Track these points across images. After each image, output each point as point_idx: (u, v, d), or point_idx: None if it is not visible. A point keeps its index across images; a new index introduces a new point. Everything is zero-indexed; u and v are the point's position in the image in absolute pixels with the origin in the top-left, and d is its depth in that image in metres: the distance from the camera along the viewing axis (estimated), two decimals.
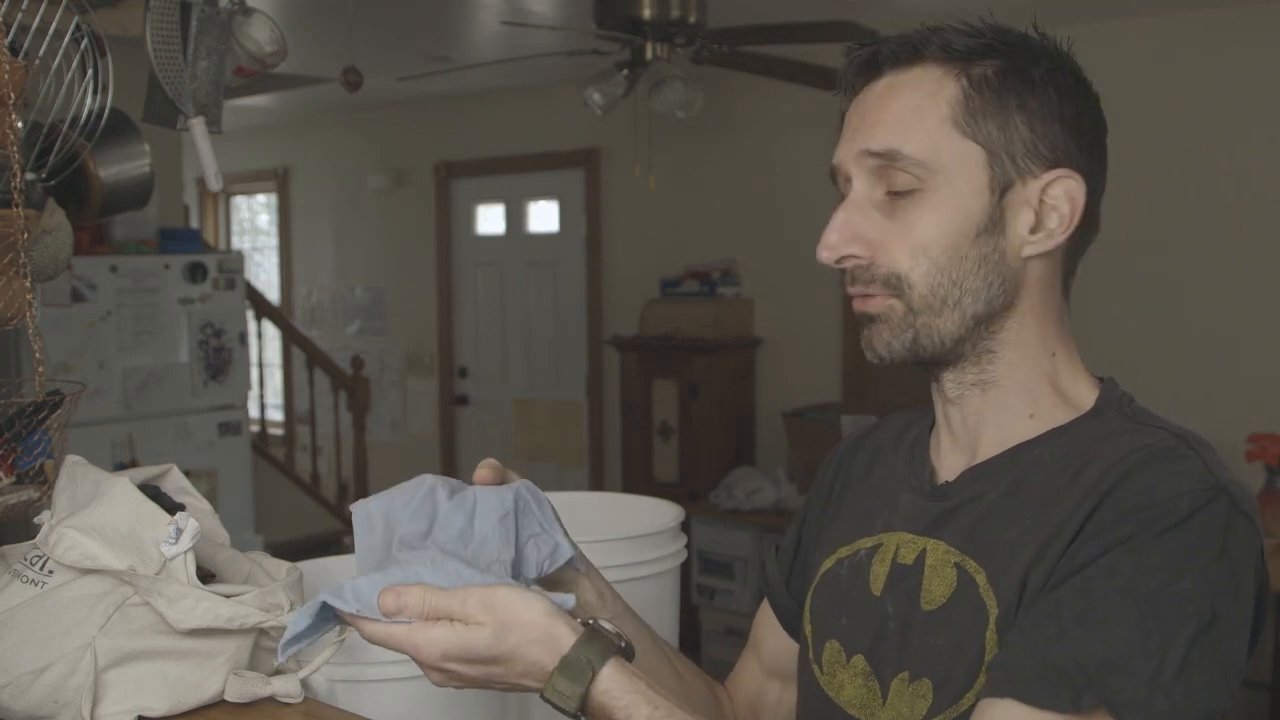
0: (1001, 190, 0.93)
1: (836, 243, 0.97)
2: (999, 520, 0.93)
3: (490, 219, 6.61)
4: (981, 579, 0.92)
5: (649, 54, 3.74)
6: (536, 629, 0.85)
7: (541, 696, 0.85)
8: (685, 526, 1.48)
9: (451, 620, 0.85)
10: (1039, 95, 0.94)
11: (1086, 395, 0.98)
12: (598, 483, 5.99)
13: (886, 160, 0.94)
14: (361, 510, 0.96)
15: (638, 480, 5.33)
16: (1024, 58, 0.95)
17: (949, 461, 1.02)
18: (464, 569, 0.88)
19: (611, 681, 0.84)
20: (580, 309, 6.14)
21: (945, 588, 0.94)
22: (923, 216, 0.94)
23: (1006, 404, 0.97)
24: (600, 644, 0.85)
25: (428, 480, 0.96)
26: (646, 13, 3.63)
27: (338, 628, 0.93)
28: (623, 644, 0.87)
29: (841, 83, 1.01)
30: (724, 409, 5.29)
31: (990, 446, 0.98)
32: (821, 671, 1.04)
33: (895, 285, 0.95)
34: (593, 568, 1.07)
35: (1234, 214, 4.30)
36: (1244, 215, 4.28)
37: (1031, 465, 0.94)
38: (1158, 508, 0.84)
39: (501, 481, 1.00)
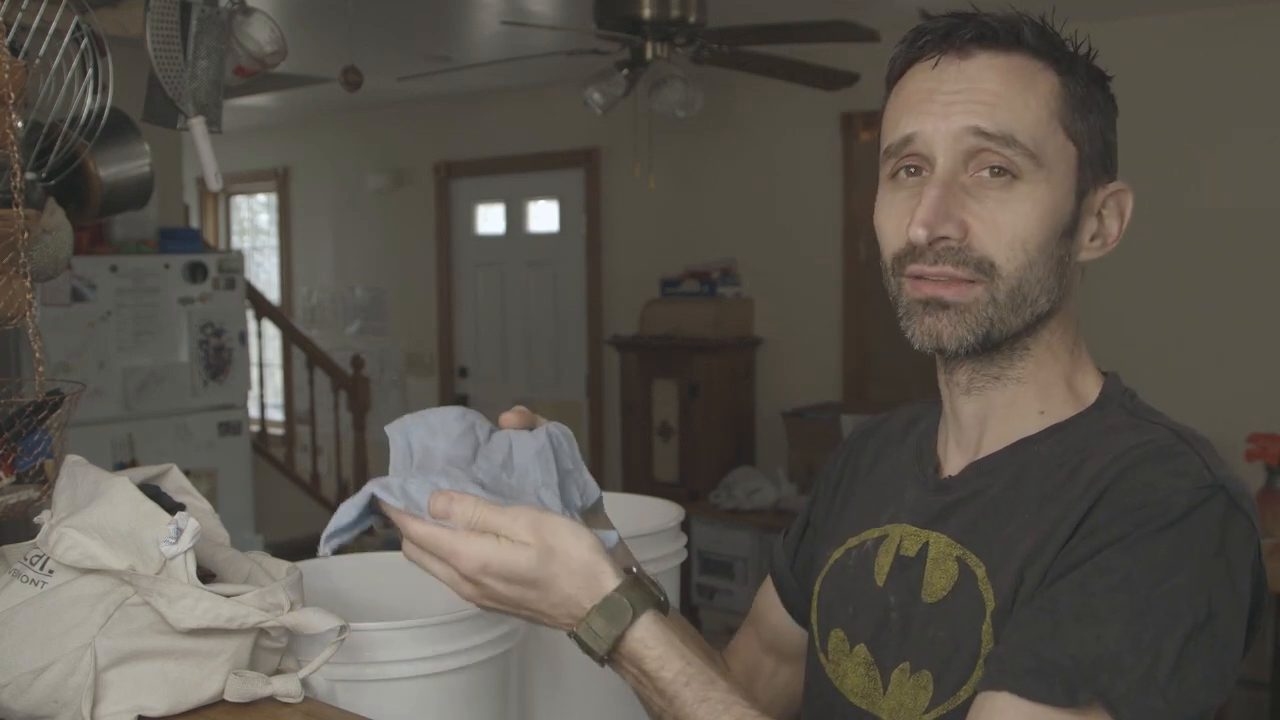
0: (1080, 194, 0.94)
1: (934, 219, 0.90)
2: (999, 515, 0.94)
3: (490, 219, 6.61)
4: (981, 573, 0.92)
5: (649, 54, 3.75)
6: (580, 562, 0.84)
7: (571, 633, 0.86)
8: (685, 526, 1.48)
9: (498, 536, 0.85)
10: (1107, 109, 0.97)
11: (1092, 389, 0.99)
12: (597, 482, 5.98)
13: (996, 143, 0.91)
14: (399, 429, 0.94)
15: (638, 480, 5.33)
16: (1094, 70, 0.98)
17: (954, 455, 1.02)
18: (512, 494, 0.89)
19: (648, 630, 0.84)
20: (580, 309, 6.14)
21: (946, 580, 0.95)
22: (1020, 207, 0.91)
23: (1020, 400, 0.98)
24: (642, 591, 0.85)
25: (467, 414, 0.95)
26: (646, 12, 3.63)
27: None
28: (662, 597, 0.87)
29: (910, 51, 0.96)
30: (724, 409, 5.29)
31: (995, 441, 0.98)
32: (827, 660, 1.05)
33: (987, 272, 0.92)
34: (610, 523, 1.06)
35: (1234, 214, 4.30)
36: (1244, 215, 4.28)
37: (1031, 461, 0.95)
38: (1155, 505, 0.83)
39: (530, 427, 0.99)
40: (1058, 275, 0.94)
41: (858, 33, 3.47)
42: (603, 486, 1.11)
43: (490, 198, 6.56)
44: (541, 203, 6.38)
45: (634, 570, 0.88)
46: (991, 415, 0.98)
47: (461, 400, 6.68)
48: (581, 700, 1.43)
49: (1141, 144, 4.45)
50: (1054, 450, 0.94)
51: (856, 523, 1.08)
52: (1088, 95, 0.95)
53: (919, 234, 0.90)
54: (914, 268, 0.93)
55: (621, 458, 5.61)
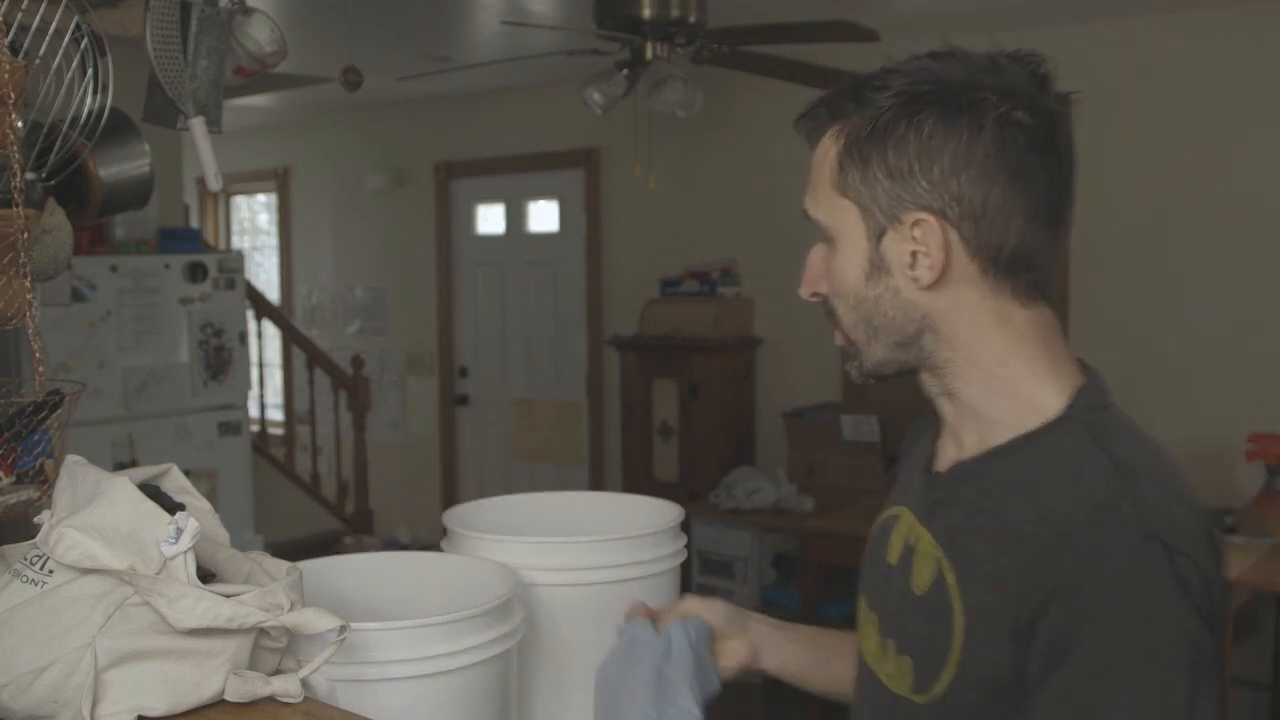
0: (878, 236, 1.03)
1: (805, 281, 1.11)
2: (967, 529, 1.02)
3: (490, 219, 6.61)
4: (951, 579, 1.01)
5: (649, 54, 3.74)
6: None
7: None
8: (685, 526, 1.48)
9: None
10: (897, 147, 1.00)
11: (1054, 401, 1.03)
12: (598, 483, 5.99)
13: (811, 221, 1.09)
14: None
15: (638, 480, 5.33)
16: (897, 110, 1.00)
17: (945, 451, 1.10)
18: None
19: None
20: (580, 309, 6.13)
21: (929, 577, 1.03)
22: (836, 264, 1.06)
23: (972, 412, 1.06)
24: None
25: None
26: (646, 12, 3.63)
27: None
28: None
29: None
30: (724, 409, 5.29)
31: (973, 444, 1.06)
32: (859, 619, 1.17)
33: (836, 322, 1.09)
34: (740, 620, 1.25)
35: (1235, 214, 4.30)
36: (1245, 215, 4.28)
37: (997, 478, 1.02)
38: (1100, 575, 0.90)
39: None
40: (891, 309, 1.04)
41: (858, 33, 3.47)
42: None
43: (490, 198, 6.56)
44: (541, 203, 6.38)
45: None
46: (958, 423, 1.08)
47: (462, 400, 6.68)
48: (581, 700, 1.43)
49: (1143, 144, 4.46)
50: (1016, 471, 1.01)
51: (890, 498, 1.19)
52: (869, 146, 1.02)
53: (801, 292, 1.11)
54: None
55: (621, 458, 5.61)
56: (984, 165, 0.99)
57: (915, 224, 1.01)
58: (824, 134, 1.07)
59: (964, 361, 1.04)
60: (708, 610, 1.23)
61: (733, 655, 1.23)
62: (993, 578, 0.97)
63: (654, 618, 1.21)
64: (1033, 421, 1.02)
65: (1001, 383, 1.03)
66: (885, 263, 1.03)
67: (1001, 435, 1.03)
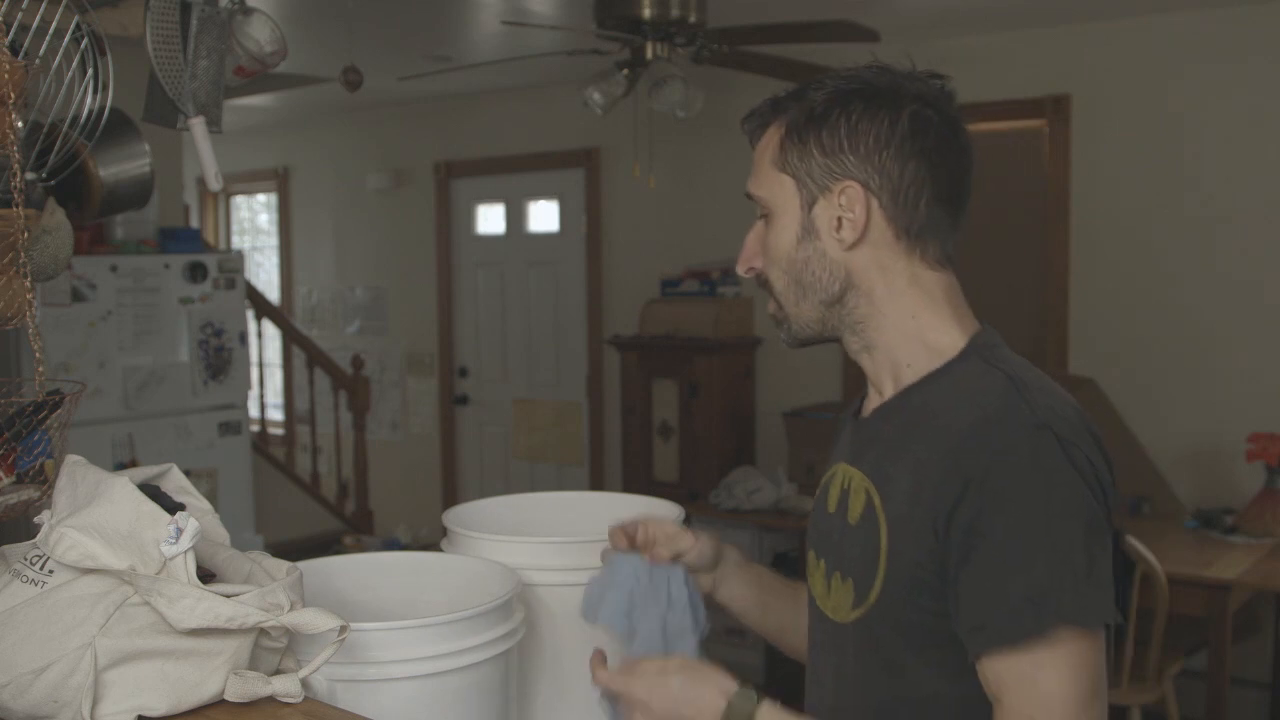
0: (810, 205, 1.21)
1: (741, 259, 1.28)
2: (890, 455, 1.18)
3: (490, 219, 6.60)
4: (878, 502, 1.17)
5: (649, 54, 3.74)
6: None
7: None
8: (685, 526, 1.48)
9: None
10: (834, 124, 1.19)
11: (954, 343, 1.20)
12: (598, 483, 5.99)
13: (751, 199, 1.27)
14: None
15: (638, 480, 5.33)
16: (830, 101, 1.20)
17: (869, 404, 1.28)
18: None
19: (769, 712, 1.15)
20: (580, 309, 6.13)
21: (860, 507, 1.19)
22: (772, 236, 1.24)
23: (888, 360, 1.23)
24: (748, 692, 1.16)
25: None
26: (646, 12, 3.62)
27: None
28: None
29: (749, 140, 1.30)
30: (724, 409, 5.29)
31: (889, 390, 1.23)
32: (808, 571, 1.31)
33: (769, 290, 1.26)
34: (714, 556, 1.41)
35: (1234, 214, 4.30)
36: (1244, 215, 4.28)
37: (912, 408, 1.18)
38: (1003, 459, 1.07)
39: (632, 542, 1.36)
40: (812, 270, 1.22)
41: (858, 33, 3.47)
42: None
43: (490, 198, 6.56)
44: (541, 203, 6.38)
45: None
46: (876, 374, 1.25)
47: (462, 400, 6.68)
48: (581, 700, 1.43)
49: (1143, 144, 4.46)
50: (926, 399, 1.18)
51: (829, 462, 1.35)
52: (806, 128, 1.20)
53: (739, 269, 1.29)
54: None
55: (621, 458, 5.61)
56: (900, 147, 1.18)
57: (843, 191, 1.19)
58: (765, 130, 1.26)
59: (880, 315, 1.21)
60: (694, 549, 1.37)
61: (698, 588, 1.39)
62: (909, 491, 1.13)
63: (632, 538, 1.35)
64: (938, 361, 1.19)
65: (913, 332, 1.21)
66: (815, 227, 1.21)
67: (912, 377, 1.20)
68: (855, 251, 1.20)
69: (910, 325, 1.21)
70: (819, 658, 1.29)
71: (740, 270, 1.29)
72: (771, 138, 1.24)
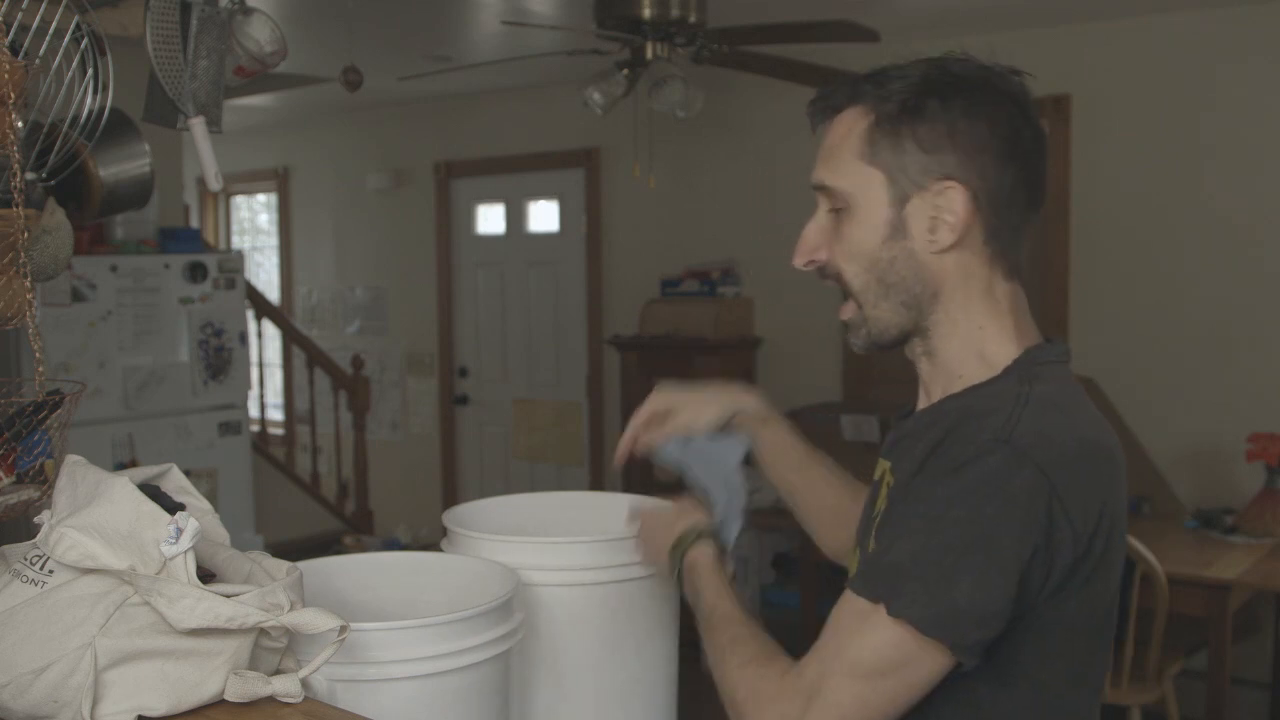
0: (901, 202, 1.16)
1: (801, 250, 1.23)
2: (911, 454, 1.17)
3: (490, 219, 6.60)
4: (891, 482, 1.18)
5: (649, 54, 3.74)
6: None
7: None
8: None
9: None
10: (933, 120, 1.14)
11: (1005, 358, 1.18)
12: (598, 483, 5.99)
13: (822, 189, 1.21)
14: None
15: (638, 480, 5.33)
16: (928, 89, 1.15)
17: (920, 404, 1.27)
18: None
19: (700, 554, 1.32)
20: (580, 309, 6.13)
21: (884, 499, 1.20)
22: (849, 229, 1.19)
23: (943, 368, 1.21)
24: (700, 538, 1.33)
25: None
26: (646, 12, 3.62)
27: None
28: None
29: (811, 124, 1.25)
30: None
31: (938, 395, 1.22)
32: (849, 559, 1.33)
33: (843, 284, 1.21)
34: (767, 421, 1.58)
35: (1235, 214, 4.30)
36: (1245, 215, 4.28)
37: (944, 414, 1.16)
38: (953, 453, 1.08)
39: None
40: (906, 270, 1.17)
41: (858, 33, 3.47)
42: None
43: (490, 198, 6.56)
44: (541, 203, 6.38)
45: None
46: (929, 380, 1.23)
47: (462, 400, 6.68)
48: (581, 700, 1.43)
49: (1144, 144, 4.46)
50: (957, 405, 1.16)
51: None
52: (900, 121, 1.15)
53: (795, 262, 1.23)
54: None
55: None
56: (1000, 149, 1.14)
57: (944, 191, 1.14)
58: (835, 115, 1.20)
59: (951, 323, 1.19)
60: (749, 409, 1.58)
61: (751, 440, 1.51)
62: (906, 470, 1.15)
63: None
64: (987, 375, 1.18)
65: (976, 344, 1.19)
66: (906, 226, 1.16)
67: (957, 387, 1.19)
68: (945, 255, 1.16)
69: (975, 337, 1.19)
70: None
71: (798, 263, 1.23)
72: (852, 126, 1.18)
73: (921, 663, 1.06)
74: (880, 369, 5.00)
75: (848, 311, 1.22)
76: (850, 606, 1.09)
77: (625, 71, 3.83)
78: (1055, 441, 1.08)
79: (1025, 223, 1.18)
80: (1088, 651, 1.14)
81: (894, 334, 1.20)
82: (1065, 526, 1.06)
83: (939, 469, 1.08)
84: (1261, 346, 4.26)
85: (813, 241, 1.22)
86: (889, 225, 1.16)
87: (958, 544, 1.05)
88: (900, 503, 1.11)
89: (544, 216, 6.39)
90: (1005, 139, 1.14)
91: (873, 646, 1.06)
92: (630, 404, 5.49)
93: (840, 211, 1.19)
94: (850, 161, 1.17)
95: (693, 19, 3.67)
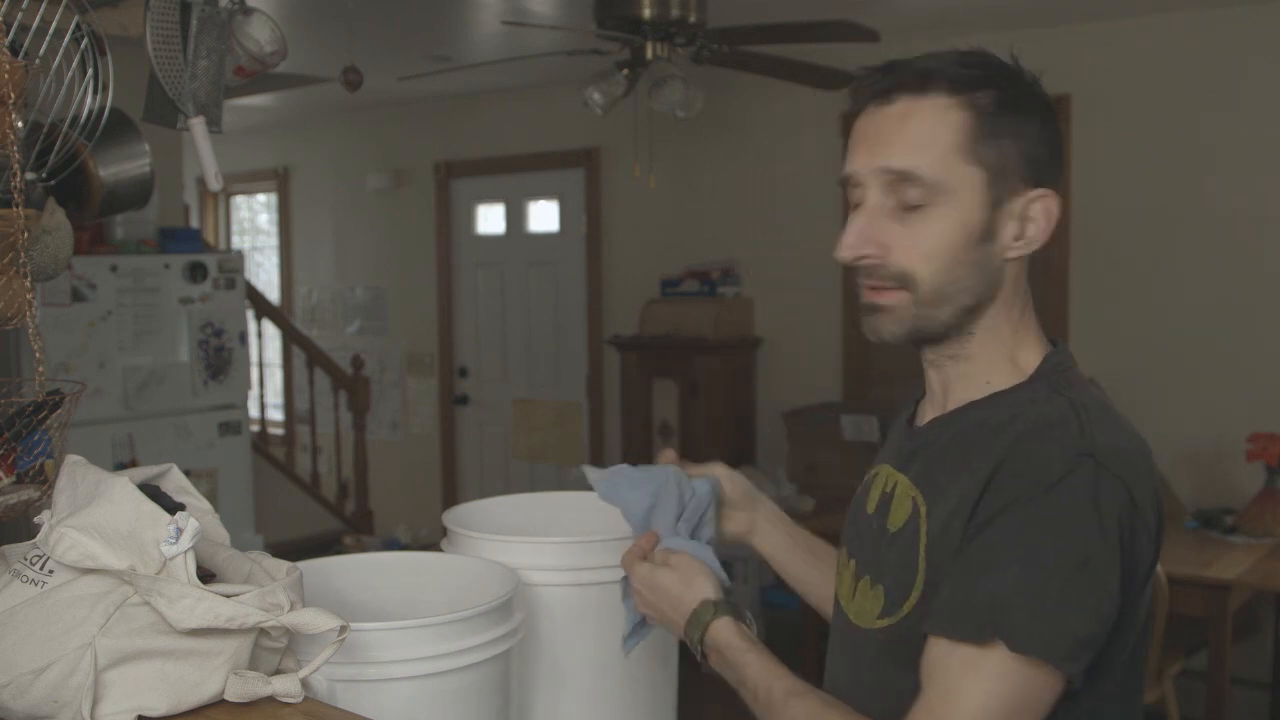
0: (995, 205, 1.11)
1: (855, 243, 1.13)
2: (942, 465, 1.13)
3: (490, 219, 6.61)
4: (923, 511, 1.12)
5: (649, 54, 3.74)
6: (693, 589, 1.26)
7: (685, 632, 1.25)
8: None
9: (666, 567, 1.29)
10: (1027, 122, 1.11)
11: (1032, 363, 1.16)
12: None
13: (902, 177, 1.10)
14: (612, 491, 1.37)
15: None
16: (1015, 88, 1.12)
17: (927, 413, 1.22)
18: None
19: (724, 628, 1.21)
20: (580, 309, 6.13)
21: (903, 514, 1.15)
22: (932, 226, 1.11)
23: (970, 373, 1.17)
24: (723, 606, 1.23)
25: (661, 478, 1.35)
26: (646, 12, 3.62)
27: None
28: (742, 615, 1.23)
29: (855, 100, 1.16)
30: (724, 409, 5.29)
31: (954, 403, 1.18)
32: (839, 567, 1.29)
33: (906, 282, 1.12)
34: (752, 498, 1.43)
35: (1233, 214, 4.30)
36: (1245, 215, 4.28)
37: (972, 422, 1.13)
38: (1035, 473, 1.03)
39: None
40: (981, 274, 1.12)
41: (858, 33, 3.47)
42: None
43: (490, 198, 6.56)
44: (541, 203, 6.38)
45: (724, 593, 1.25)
46: (951, 384, 1.18)
47: (462, 400, 6.68)
48: (581, 700, 1.43)
49: (1144, 144, 4.46)
50: (988, 414, 1.12)
51: (875, 461, 1.30)
52: (1000, 120, 1.10)
53: (843, 255, 1.14)
54: (861, 281, 1.16)
55: (622, 458, 5.61)
56: (1061, 147, 1.15)
57: (1039, 199, 1.11)
58: (898, 98, 1.11)
59: (994, 328, 1.15)
60: (729, 479, 1.40)
61: (735, 524, 1.42)
62: (954, 497, 1.09)
63: (682, 466, 1.39)
64: (1014, 381, 1.14)
65: (1010, 348, 1.16)
66: (995, 230, 1.11)
67: (982, 393, 1.15)
68: (1018, 262, 1.14)
69: (1010, 340, 1.16)
70: (835, 658, 1.26)
71: (847, 257, 1.13)
72: (942, 116, 1.10)
73: (1045, 692, 1.02)
74: (880, 369, 5.00)
75: (891, 298, 1.13)
76: (951, 654, 1.02)
77: (625, 71, 3.83)
78: (1123, 448, 1.06)
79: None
80: (1145, 647, 1.14)
81: (938, 331, 1.14)
82: (1144, 533, 1.05)
83: (1021, 490, 1.03)
84: (1261, 346, 4.26)
85: (864, 234, 1.12)
86: (982, 227, 1.11)
87: (1062, 567, 1.00)
88: (984, 533, 1.04)
89: (544, 216, 6.39)
90: (1060, 141, 1.14)
91: (997, 691, 1.01)
92: (630, 404, 5.50)
93: (918, 208, 1.10)
94: (948, 155, 1.09)
95: (693, 19, 3.67)
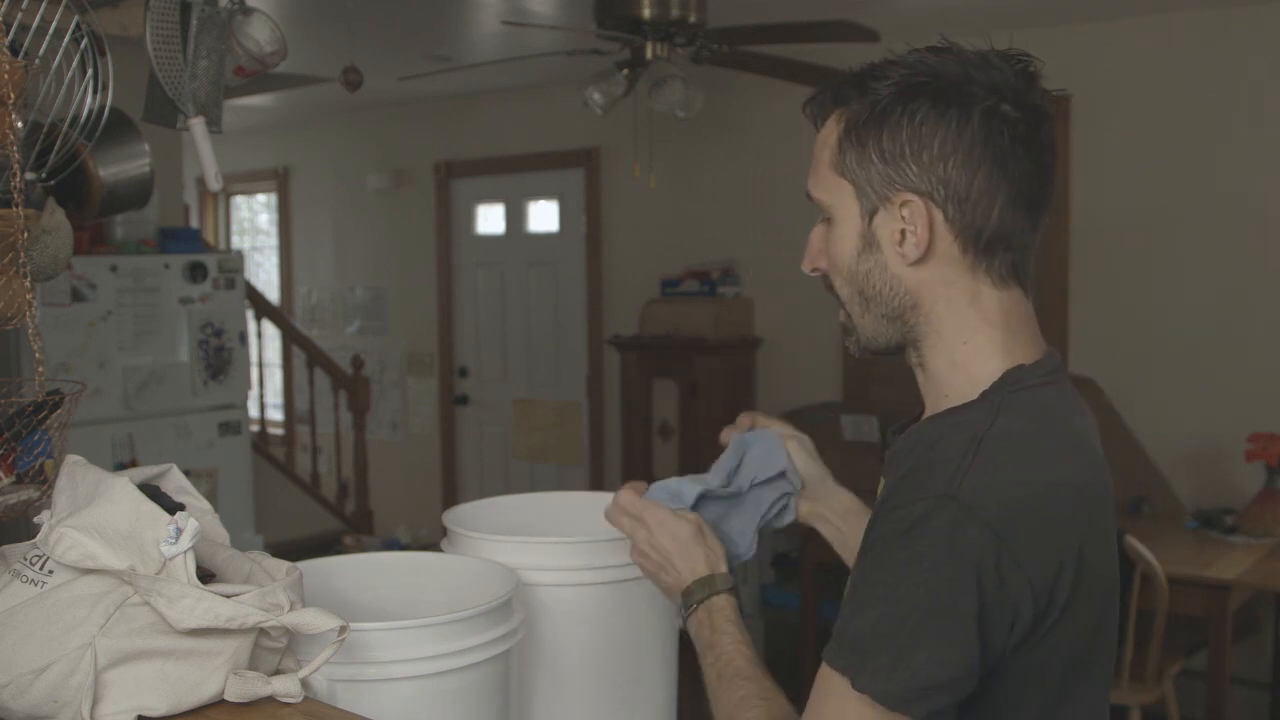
0: (870, 215, 1.12)
1: (807, 257, 1.20)
2: (891, 478, 1.14)
3: (490, 219, 6.61)
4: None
5: (649, 54, 3.74)
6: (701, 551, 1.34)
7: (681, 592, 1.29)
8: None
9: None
10: (891, 131, 1.09)
11: (988, 378, 1.12)
12: (598, 483, 5.99)
13: (812, 200, 1.18)
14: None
15: (638, 480, 5.33)
16: (893, 98, 1.09)
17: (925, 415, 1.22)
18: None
19: (725, 604, 1.27)
20: (580, 309, 6.13)
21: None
22: (833, 244, 1.16)
23: (935, 383, 1.16)
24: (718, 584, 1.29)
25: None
26: (646, 12, 3.63)
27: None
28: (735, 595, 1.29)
29: (814, 126, 1.21)
30: (724, 409, 5.28)
31: (929, 412, 1.17)
32: None
33: (835, 296, 1.18)
34: (818, 484, 1.56)
35: (1233, 214, 4.30)
36: (1243, 215, 4.28)
37: (917, 438, 1.14)
38: (904, 509, 1.03)
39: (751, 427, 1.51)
40: (882, 284, 1.13)
41: (858, 33, 3.47)
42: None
43: (490, 198, 6.56)
44: (541, 203, 6.38)
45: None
46: (924, 394, 1.19)
47: (462, 400, 6.68)
48: (581, 700, 1.43)
49: (1143, 144, 4.46)
50: (929, 432, 1.12)
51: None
52: (866, 129, 1.10)
53: (803, 268, 1.21)
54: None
55: (621, 458, 5.61)
56: (969, 152, 1.08)
57: (904, 204, 1.10)
58: (827, 118, 1.16)
59: (935, 336, 1.14)
60: (804, 463, 1.54)
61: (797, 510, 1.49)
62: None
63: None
64: (970, 396, 1.12)
65: (961, 359, 1.13)
66: (876, 239, 1.12)
67: (943, 406, 1.14)
68: (919, 267, 1.11)
69: (960, 352, 1.13)
70: None
71: (805, 269, 1.21)
72: (830, 133, 1.14)
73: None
74: (880, 369, 5.00)
75: (840, 316, 1.19)
76: (824, 673, 1.06)
77: (625, 71, 3.83)
78: (1005, 494, 1.02)
79: (1023, 219, 1.11)
80: (1069, 681, 1.09)
81: (882, 343, 1.16)
82: (1021, 583, 1.01)
83: (890, 530, 1.04)
84: (1262, 346, 4.26)
85: (815, 248, 1.18)
86: (861, 238, 1.13)
87: (913, 612, 1.00)
88: (860, 567, 1.07)
89: (544, 216, 6.39)
90: (977, 140, 1.07)
91: (843, 716, 1.03)
92: (630, 404, 5.50)
93: (826, 222, 1.16)
94: (826, 173, 1.15)
95: (693, 19, 3.67)
